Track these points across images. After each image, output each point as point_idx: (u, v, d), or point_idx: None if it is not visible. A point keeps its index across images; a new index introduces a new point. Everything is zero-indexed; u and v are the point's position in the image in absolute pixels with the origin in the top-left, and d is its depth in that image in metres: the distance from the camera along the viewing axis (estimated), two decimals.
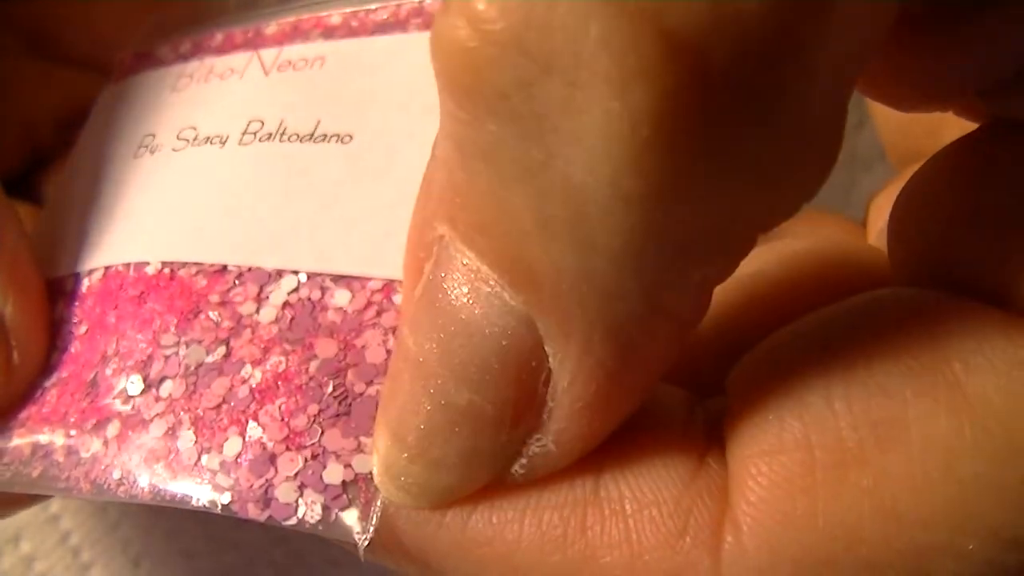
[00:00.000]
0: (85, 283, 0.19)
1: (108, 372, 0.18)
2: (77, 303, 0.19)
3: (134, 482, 0.17)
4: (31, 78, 0.24)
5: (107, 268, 0.19)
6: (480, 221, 0.13)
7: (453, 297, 0.14)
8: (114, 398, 0.18)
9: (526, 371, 0.14)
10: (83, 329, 0.19)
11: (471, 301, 0.14)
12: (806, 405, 0.15)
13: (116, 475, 0.17)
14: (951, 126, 0.19)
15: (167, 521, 0.28)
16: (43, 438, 0.18)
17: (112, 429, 0.17)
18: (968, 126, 0.16)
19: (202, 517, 0.28)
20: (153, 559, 0.28)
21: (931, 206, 0.16)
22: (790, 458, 0.14)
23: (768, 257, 0.19)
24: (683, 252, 0.13)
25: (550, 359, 0.14)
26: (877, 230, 0.22)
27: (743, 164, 0.13)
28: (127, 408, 0.17)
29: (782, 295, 0.18)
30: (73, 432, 0.18)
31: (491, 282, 0.14)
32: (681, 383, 0.17)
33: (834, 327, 0.15)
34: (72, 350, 0.19)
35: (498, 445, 0.15)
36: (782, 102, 0.12)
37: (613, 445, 0.15)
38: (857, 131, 0.31)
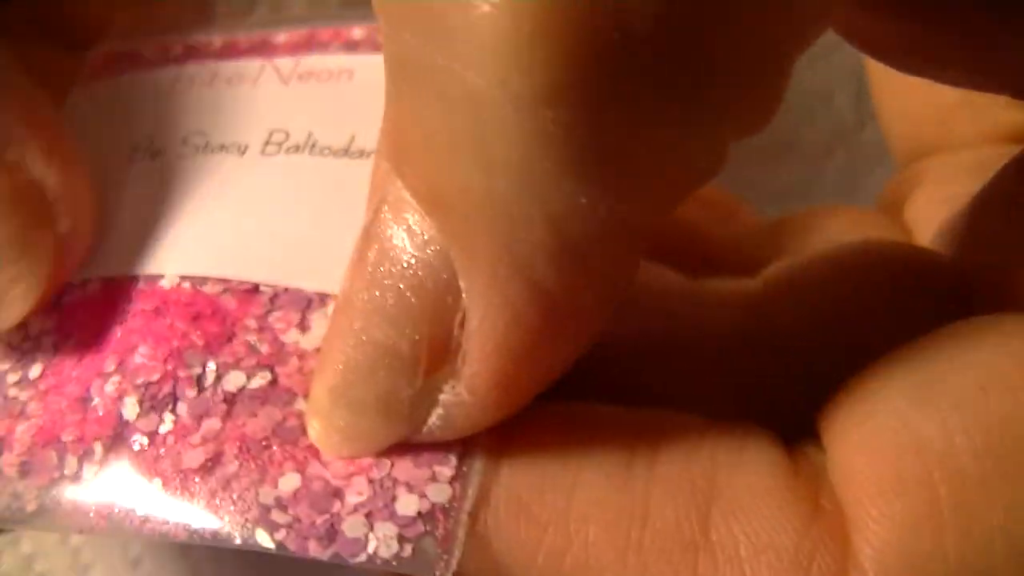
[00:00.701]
0: (76, 293, 0.18)
1: (109, 389, 0.17)
2: (65, 314, 0.18)
3: (163, 519, 0.16)
4: (41, 65, 0.24)
5: (108, 280, 0.18)
6: (405, 144, 0.13)
7: (381, 230, 0.14)
8: (122, 419, 0.16)
9: (442, 307, 0.14)
10: (71, 342, 0.17)
11: (395, 233, 0.14)
12: (923, 440, 0.14)
13: (138, 509, 0.16)
14: (962, 117, 0.19)
15: None
16: (32, 460, 0.17)
17: (123, 454, 0.16)
18: (980, 119, 0.16)
19: None
20: (153, 559, 0.28)
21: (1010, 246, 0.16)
22: (914, 497, 0.14)
23: (822, 262, 0.18)
24: (588, 178, 0.12)
25: (464, 295, 0.13)
26: (920, 230, 0.21)
27: (647, 88, 0.12)
28: (144, 430, 0.16)
29: (847, 303, 0.17)
30: (67, 455, 0.16)
31: (412, 211, 0.13)
32: (753, 397, 0.16)
33: (937, 360, 0.15)
34: (55, 362, 0.17)
35: (415, 389, 0.14)
36: (693, 56, 0.12)
37: (717, 484, 0.14)
38: (859, 133, 0.31)
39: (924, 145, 0.23)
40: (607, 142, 0.12)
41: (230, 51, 0.21)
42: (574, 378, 0.15)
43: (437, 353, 0.14)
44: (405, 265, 0.14)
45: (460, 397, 0.14)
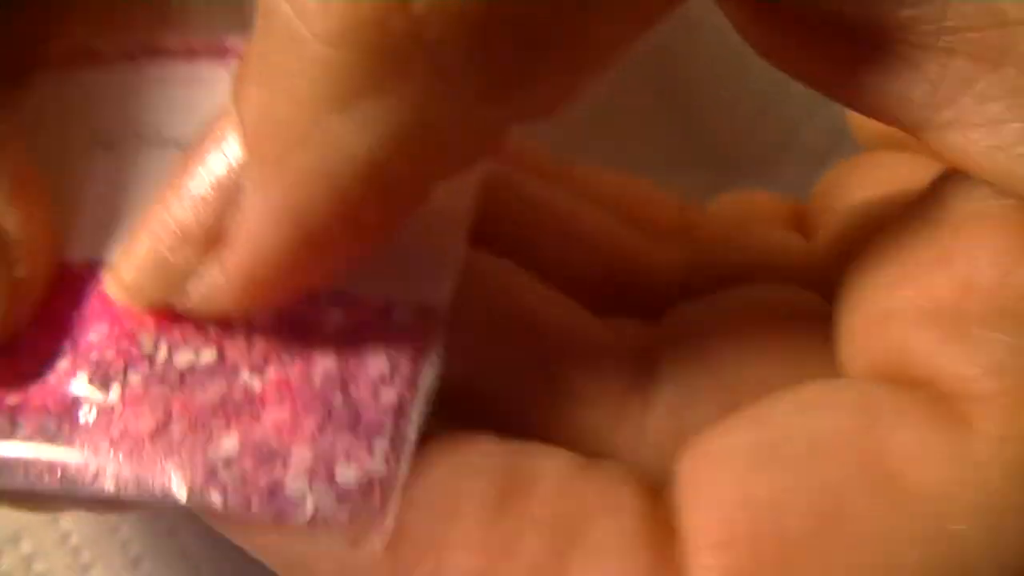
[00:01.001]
0: None
1: (64, 366, 0.18)
2: None
3: (113, 480, 0.17)
4: None
5: (65, 266, 0.19)
6: (245, 72, 0.16)
7: (211, 137, 0.17)
8: (72, 394, 0.17)
9: (229, 204, 0.16)
10: (29, 325, 0.18)
11: (216, 139, 0.16)
12: (754, 500, 0.15)
13: (88, 468, 0.17)
14: None
15: (167, 521, 0.28)
16: None
17: (76, 424, 0.17)
18: None
19: (202, 518, 0.28)
20: (153, 559, 0.28)
21: (870, 300, 0.17)
22: (738, 550, 0.15)
23: (715, 314, 0.20)
24: (352, 115, 0.15)
25: (242, 193, 0.16)
26: (823, 234, 0.23)
27: (424, 62, 0.14)
28: (95, 401, 0.17)
29: (729, 358, 0.19)
30: (20, 423, 0.17)
31: (234, 125, 0.16)
32: (629, 442, 0.18)
33: (775, 424, 0.16)
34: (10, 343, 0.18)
35: (187, 262, 0.17)
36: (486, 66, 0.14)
37: (583, 527, 0.16)
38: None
39: (881, 135, 0.24)
40: (374, 89, 0.15)
41: (186, 53, 0.21)
42: (465, 400, 0.18)
43: (214, 238, 0.17)
44: (215, 164, 0.16)
45: (218, 279, 0.17)
